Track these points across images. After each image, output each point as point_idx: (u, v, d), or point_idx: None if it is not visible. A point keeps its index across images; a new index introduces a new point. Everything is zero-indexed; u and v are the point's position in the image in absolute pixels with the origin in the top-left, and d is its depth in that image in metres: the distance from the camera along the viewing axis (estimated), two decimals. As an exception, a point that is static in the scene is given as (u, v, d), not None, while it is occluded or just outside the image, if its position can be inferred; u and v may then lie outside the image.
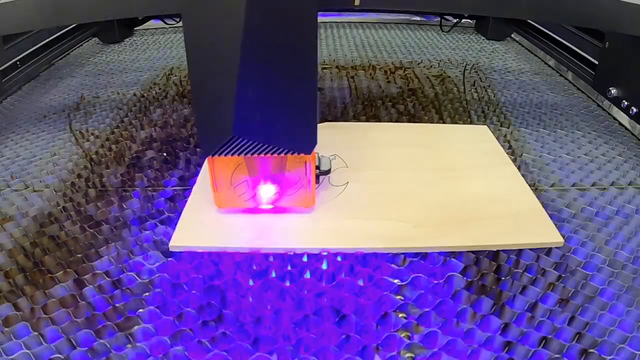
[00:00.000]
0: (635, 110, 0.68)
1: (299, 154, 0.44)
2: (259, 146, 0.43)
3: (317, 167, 0.50)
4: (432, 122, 0.73)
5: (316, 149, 0.55)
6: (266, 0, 0.37)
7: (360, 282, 0.42)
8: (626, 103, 0.70)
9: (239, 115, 0.40)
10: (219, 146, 0.43)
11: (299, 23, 0.38)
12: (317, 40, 0.40)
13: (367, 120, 0.73)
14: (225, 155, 0.43)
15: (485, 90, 0.85)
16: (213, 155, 0.44)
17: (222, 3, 0.37)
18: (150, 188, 0.56)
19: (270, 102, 0.41)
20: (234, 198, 0.48)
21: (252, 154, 0.44)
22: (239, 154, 0.44)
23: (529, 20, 1.07)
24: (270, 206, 0.49)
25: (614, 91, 0.73)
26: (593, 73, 0.81)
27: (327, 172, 0.51)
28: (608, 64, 0.77)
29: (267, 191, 0.48)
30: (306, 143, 0.44)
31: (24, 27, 0.65)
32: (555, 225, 0.49)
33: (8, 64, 0.82)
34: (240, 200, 0.49)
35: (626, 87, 0.71)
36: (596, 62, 0.81)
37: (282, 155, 0.44)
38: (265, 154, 0.44)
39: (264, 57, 0.39)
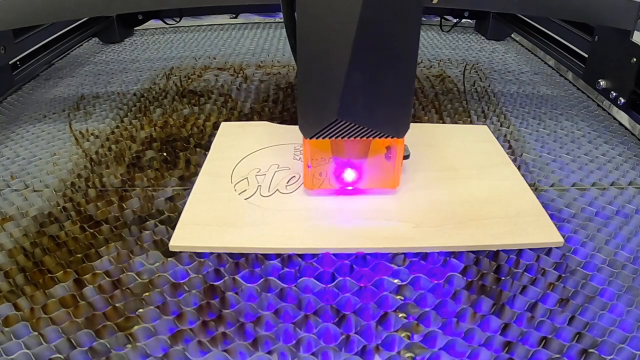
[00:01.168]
0: (622, 100, 0.70)
1: (393, 137, 0.46)
2: (357, 129, 0.45)
3: None
4: (432, 122, 0.73)
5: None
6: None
7: (360, 282, 0.42)
8: (614, 94, 0.72)
9: (345, 99, 0.43)
10: (319, 129, 0.45)
11: (408, 15, 0.41)
12: (419, 35, 0.45)
13: (367, 120, 0.73)
14: (324, 137, 0.46)
15: (485, 90, 0.85)
16: (312, 137, 0.46)
17: (339, 4, 0.40)
18: (150, 188, 0.56)
19: (373, 88, 0.43)
20: (321, 180, 0.51)
21: (348, 137, 0.46)
22: (336, 137, 0.46)
23: (521, 16, 1.07)
24: (351, 187, 0.52)
25: (602, 83, 0.74)
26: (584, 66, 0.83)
27: (407, 157, 0.52)
28: (597, 57, 0.79)
29: (351, 173, 0.51)
30: (401, 127, 0.46)
31: (39, 19, 0.69)
32: (555, 225, 0.49)
33: (19, 57, 0.85)
34: (327, 182, 0.51)
35: (614, 79, 0.73)
36: (586, 56, 0.83)
37: (374, 139, 0.47)
38: (362, 137, 0.46)
39: (374, 46, 0.41)
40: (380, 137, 0.46)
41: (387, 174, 0.51)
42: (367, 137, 0.46)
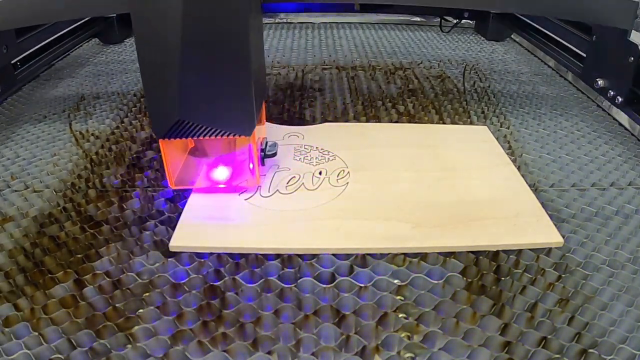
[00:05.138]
0: (620, 99, 0.71)
1: (239, 135, 0.48)
2: (203, 128, 0.47)
3: (263, 150, 0.54)
4: (432, 122, 0.73)
5: (318, 146, 0.58)
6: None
7: (360, 282, 0.42)
8: (612, 92, 0.73)
9: (183, 100, 0.45)
10: (167, 129, 0.47)
11: (234, 11, 0.43)
12: (256, 31, 0.47)
13: (367, 121, 0.73)
14: (175, 137, 0.47)
15: (485, 91, 0.85)
16: (163, 137, 0.47)
17: (164, 4, 0.42)
18: (150, 188, 0.56)
19: (210, 88, 0.45)
20: (187, 178, 0.53)
21: (197, 136, 0.47)
22: (186, 137, 0.47)
23: (520, 17, 1.07)
24: (223, 185, 0.53)
25: (600, 82, 0.75)
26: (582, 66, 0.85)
27: (273, 155, 0.55)
28: (595, 56, 0.80)
29: (218, 171, 0.52)
30: (245, 125, 0.48)
31: (35, 20, 0.70)
32: (555, 225, 0.49)
33: (20, 57, 0.85)
34: (196, 180, 0.53)
35: (612, 78, 0.74)
36: (584, 55, 0.84)
37: (227, 137, 0.48)
38: (210, 135, 0.47)
39: (203, 48, 0.44)
40: (227, 136, 0.48)
41: (247, 172, 0.52)
42: (215, 136, 0.47)
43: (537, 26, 1.03)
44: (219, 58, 0.44)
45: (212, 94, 0.45)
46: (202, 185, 0.53)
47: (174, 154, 0.51)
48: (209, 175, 0.52)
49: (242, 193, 0.53)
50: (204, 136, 0.47)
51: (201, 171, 0.53)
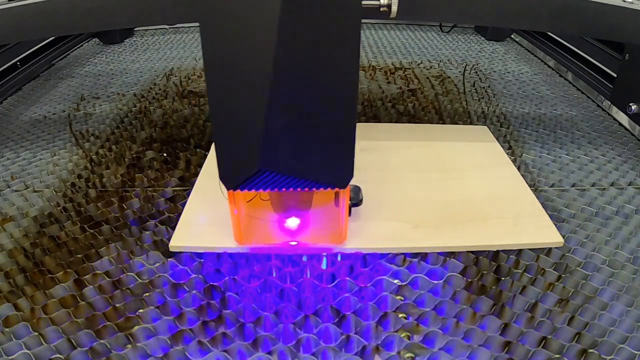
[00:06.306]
0: None
1: (333, 188, 0.39)
2: (288, 180, 0.38)
3: (351, 199, 0.46)
4: (432, 122, 0.73)
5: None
6: (301, 18, 0.32)
7: (360, 283, 0.42)
8: None
9: (267, 146, 0.36)
10: (242, 180, 0.38)
11: (338, 39, 0.33)
12: (359, 61, 0.34)
13: (367, 121, 0.73)
14: (250, 190, 0.39)
15: (485, 91, 0.85)
16: (235, 189, 0.39)
17: (250, 16, 0.32)
18: (150, 188, 0.56)
19: (302, 132, 0.36)
20: (256, 233, 0.45)
21: (280, 189, 0.39)
22: (265, 189, 0.39)
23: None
24: (295, 242, 0.45)
25: (634, 107, 0.67)
26: (602, 80, 0.79)
27: (360, 203, 0.47)
28: (628, 78, 0.71)
29: (293, 226, 0.45)
30: (342, 176, 0.39)
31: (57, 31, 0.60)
32: (555, 225, 0.49)
33: (21, 56, 0.84)
34: (264, 236, 0.45)
35: None
36: (614, 75, 0.76)
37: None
38: (295, 188, 0.39)
39: (298, 80, 0.34)
40: (317, 189, 0.39)
41: (333, 227, 0.45)
42: (301, 189, 0.39)
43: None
44: (318, 93, 0.34)
45: (304, 138, 0.36)
46: (276, 242, 0.45)
47: (244, 206, 0.44)
48: (282, 229, 0.44)
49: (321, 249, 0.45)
50: (289, 189, 0.39)
51: (272, 225, 0.45)
